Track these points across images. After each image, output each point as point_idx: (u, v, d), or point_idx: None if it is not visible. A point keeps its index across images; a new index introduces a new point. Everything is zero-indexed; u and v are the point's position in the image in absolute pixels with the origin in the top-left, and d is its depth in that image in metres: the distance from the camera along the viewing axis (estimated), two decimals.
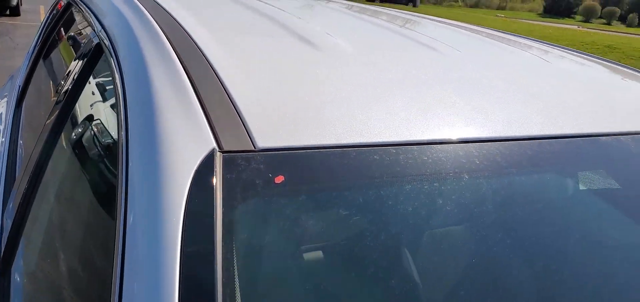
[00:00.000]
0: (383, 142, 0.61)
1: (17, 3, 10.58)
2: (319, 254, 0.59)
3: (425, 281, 0.64)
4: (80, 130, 0.98)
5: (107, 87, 0.99)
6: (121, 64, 0.75)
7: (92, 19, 1.14)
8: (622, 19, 44.61)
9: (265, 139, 0.56)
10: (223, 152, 0.53)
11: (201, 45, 0.76)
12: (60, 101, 1.09)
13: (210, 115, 0.57)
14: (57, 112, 1.05)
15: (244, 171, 0.52)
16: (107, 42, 0.90)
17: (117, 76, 0.73)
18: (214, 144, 0.54)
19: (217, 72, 0.67)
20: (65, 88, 1.11)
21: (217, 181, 0.50)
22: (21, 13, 10.93)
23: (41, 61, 1.78)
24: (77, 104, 1.04)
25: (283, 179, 0.54)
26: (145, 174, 0.52)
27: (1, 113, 1.87)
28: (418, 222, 0.63)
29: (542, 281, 0.65)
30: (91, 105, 1.01)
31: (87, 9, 1.26)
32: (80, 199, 0.85)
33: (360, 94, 0.70)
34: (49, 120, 1.09)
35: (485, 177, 0.66)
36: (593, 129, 0.77)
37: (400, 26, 1.32)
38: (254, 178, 0.52)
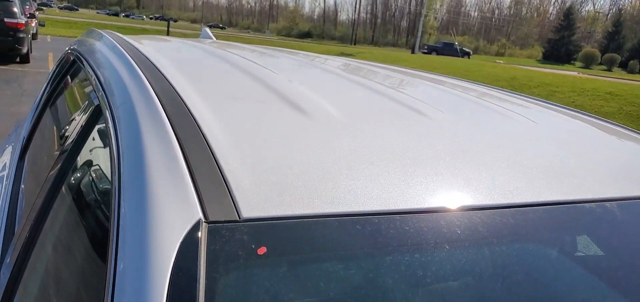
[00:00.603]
0: (366, 211, 0.62)
1: (28, 51, 10.87)
2: None
3: None
4: (79, 175, 1.00)
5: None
6: (117, 126, 0.78)
7: (93, 78, 1.18)
8: (623, 65, 45.04)
9: (250, 208, 0.57)
10: (208, 222, 0.55)
11: (194, 112, 0.79)
12: (63, 153, 1.12)
13: (198, 184, 0.59)
14: (59, 165, 1.07)
15: (227, 242, 0.54)
16: (105, 103, 0.93)
17: (113, 138, 0.76)
18: (201, 214, 0.55)
19: (208, 141, 0.70)
20: (69, 141, 1.13)
21: (201, 251, 0.52)
22: (31, 60, 11.22)
23: (47, 112, 1.82)
24: (79, 157, 1.06)
25: (265, 250, 0.55)
26: (133, 244, 0.53)
27: (5, 162, 1.90)
28: (402, 294, 0.63)
29: None
30: (91, 151, 1.04)
31: (89, 66, 1.31)
32: (77, 249, 0.87)
33: (344, 162, 0.71)
34: (51, 173, 1.11)
35: (468, 247, 0.66)
36: (577, 196, 0.77)
37: (390, 87, 1.34)
38: (237, 249, 0.53)
